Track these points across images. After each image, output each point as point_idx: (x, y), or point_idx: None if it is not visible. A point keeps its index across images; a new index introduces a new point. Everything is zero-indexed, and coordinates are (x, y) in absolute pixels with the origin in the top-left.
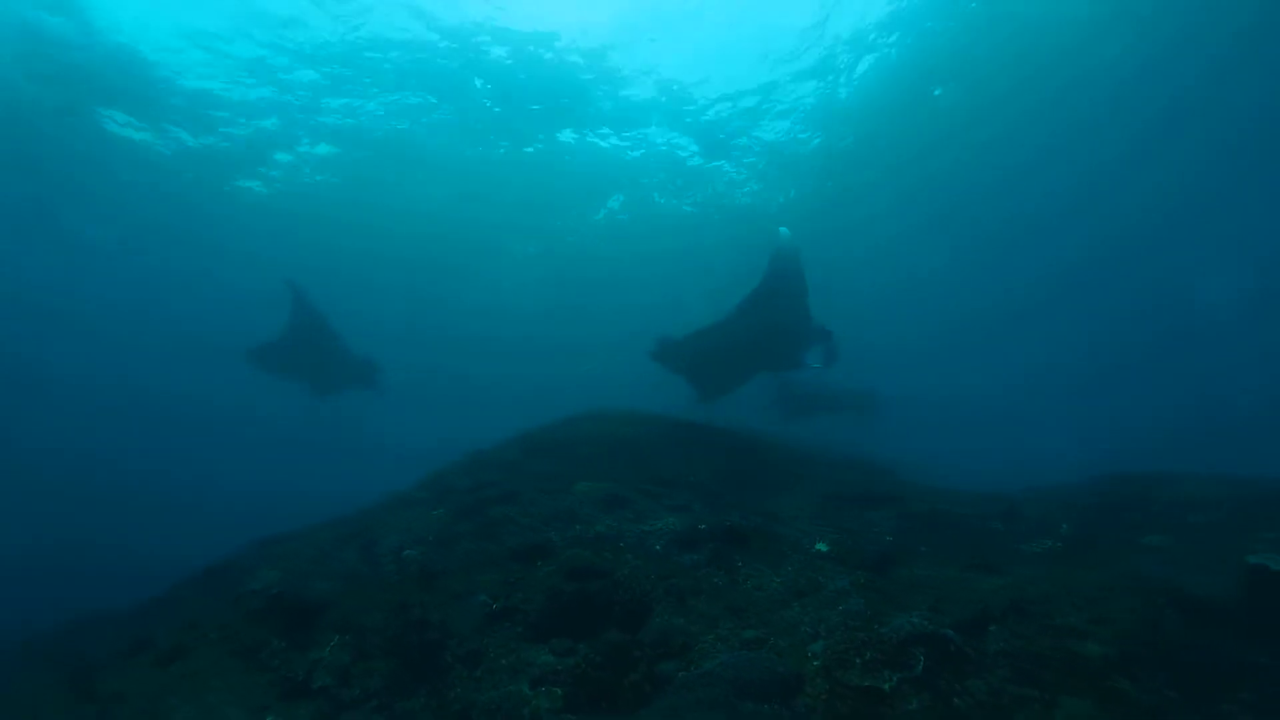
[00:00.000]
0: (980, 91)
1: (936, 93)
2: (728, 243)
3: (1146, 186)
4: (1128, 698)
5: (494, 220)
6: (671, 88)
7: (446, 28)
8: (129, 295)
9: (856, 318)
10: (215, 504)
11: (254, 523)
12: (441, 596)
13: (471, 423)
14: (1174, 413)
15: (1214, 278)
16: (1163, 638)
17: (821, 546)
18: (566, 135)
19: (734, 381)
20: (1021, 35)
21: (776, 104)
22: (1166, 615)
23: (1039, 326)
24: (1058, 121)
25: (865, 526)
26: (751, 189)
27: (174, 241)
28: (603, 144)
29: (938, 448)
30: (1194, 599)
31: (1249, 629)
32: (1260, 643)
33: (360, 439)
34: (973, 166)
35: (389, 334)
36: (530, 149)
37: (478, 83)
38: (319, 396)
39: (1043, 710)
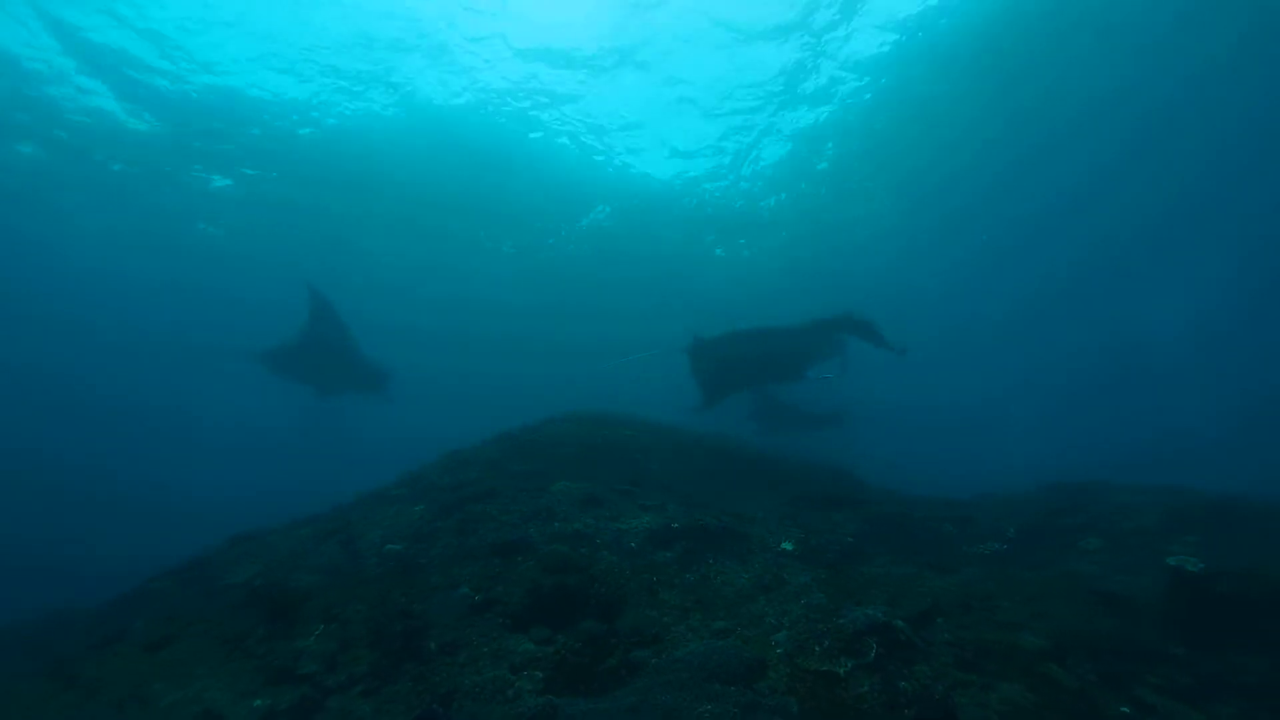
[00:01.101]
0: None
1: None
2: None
3: (1101, 221)
4: (1056, 682)
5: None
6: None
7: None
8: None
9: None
10: (175, 503)
11: (219, 521)
12: (423, 589)
13: (444, 420)
14: (1126, 430)
15: (1163, 309)
16: (1091, 630)
17: (787, 545)
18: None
19: (742, 386)
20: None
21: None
22: (1096, 611)
23: (1007, 348)
24: (1028, 145)
25: (829, 527)
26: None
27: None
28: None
29: (908, 453)
30: (1120, 596)
31: (1167, 623)
32: (1175, 634)
33: (331, 436)
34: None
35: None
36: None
37: None
38: (322, 398)
39: (980, 692)
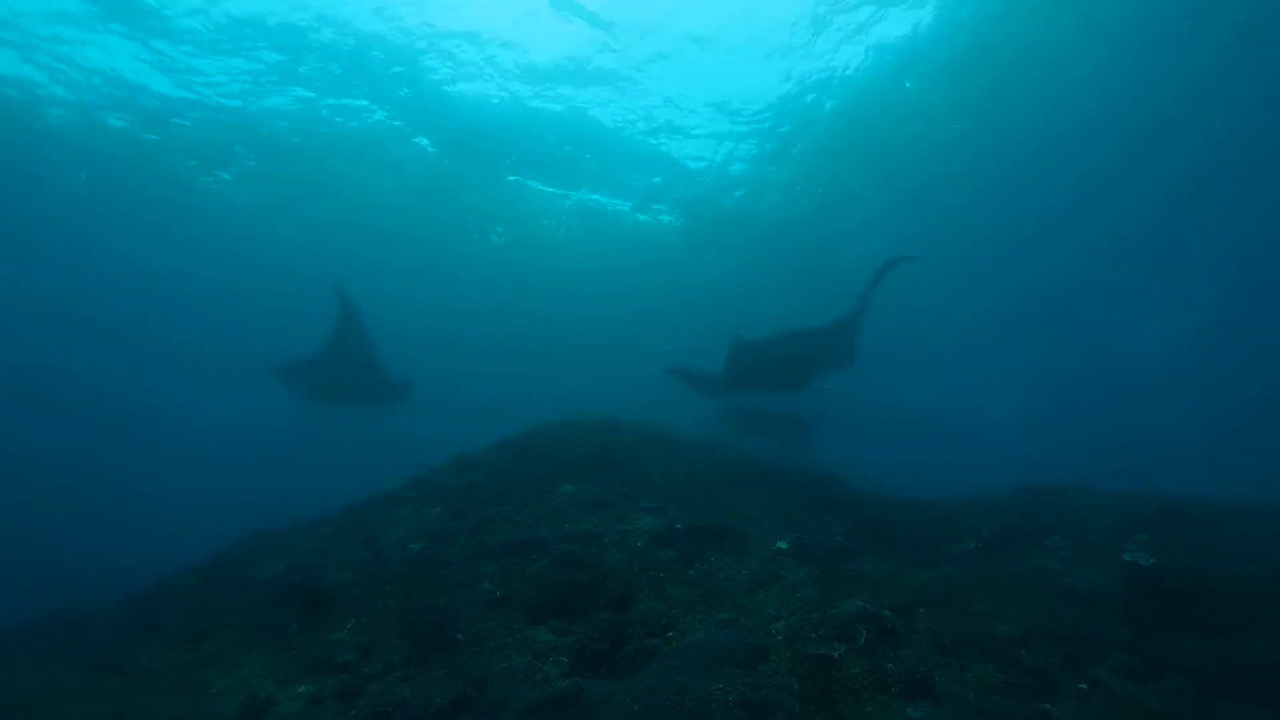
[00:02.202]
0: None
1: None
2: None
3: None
4: (1024, 664)
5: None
6: None
7: None
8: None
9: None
10: (165, 507)
11: (211, 525)
12: (447, 585)
13: (432, 421)
14: (1105, 437)
15: (1146, 319)
16: (1055, 619)
17: (782, 545)
18: None
19: (758, 388)
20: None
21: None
22: (1059, 602)
23: (992, 357)
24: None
25: (820, 528)
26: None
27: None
28: None
29: (889, 457)
30: (1081, 589)
31: (1121, 612)
32: (1129, 623)
33: (315, 439)
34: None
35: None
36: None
37: None
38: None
39: (957, 672)
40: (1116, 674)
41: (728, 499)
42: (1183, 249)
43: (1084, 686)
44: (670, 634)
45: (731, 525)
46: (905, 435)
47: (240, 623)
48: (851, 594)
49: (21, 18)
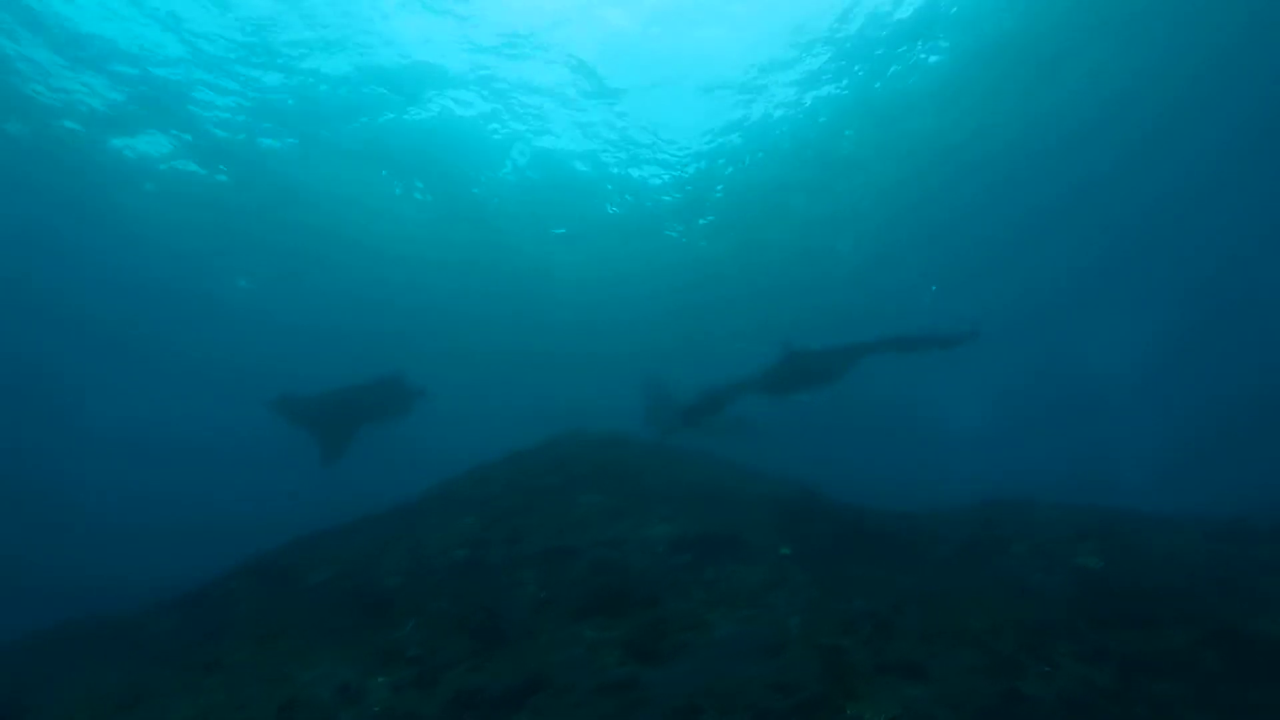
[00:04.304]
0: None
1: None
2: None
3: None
4: (997, 651)
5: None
6: None
7: None
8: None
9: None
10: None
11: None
12: (494, 587)
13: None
14: (1062, 453)
15: (1107, 338)
16: (1020, 615)
17: (785, 550)
18: None
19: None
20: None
21: None
22: (1022, 600)
23: (958, 369)
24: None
25: (813, 535)
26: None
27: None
28: None
29: (853, 458)
30: (1040, 589)
31: (1074, 607)
32: (1080, 616)
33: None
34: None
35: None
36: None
37: None
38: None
39: (944, 659)
40: (1070, 658)
41: (727, 509)
42: (1140, 269)
43: (1046, 669)
44: (700, 629)
45: (735, 533)
46: (871, 438)
47: (307, 623)
48: (850, 594)
49: None
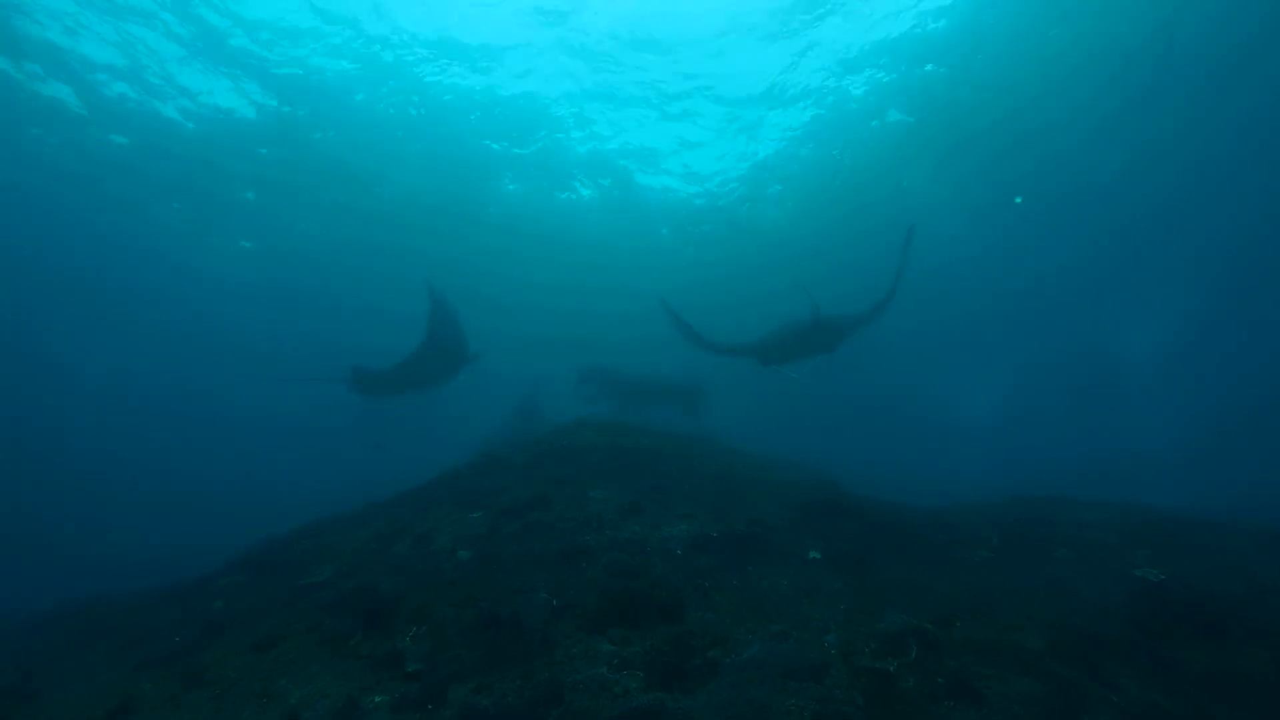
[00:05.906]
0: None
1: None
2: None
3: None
4: (1057, 677)
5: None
6: None
7: None
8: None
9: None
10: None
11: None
12: (503, 592)
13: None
14: (1083, 443)
15: (1131, 327)
16: (1078, 632)
17: (815, 554)
18: None
19: (781, 360)
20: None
21: None
22: (1078, 614)
23: (975, 358)
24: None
25: (841, 535)
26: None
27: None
28: None
29: (870, 448)
30: (1095, 600)
31: (1135, 623)
32: (1142, 634)
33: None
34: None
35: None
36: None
37: None
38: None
39: (1000, 684)
40: (1133, 679)
41: (747, 503)
42: (1165, 256)
43: (1114, 698)
44: (727, 645)
45: (760, 533)
46: (886, 428)
47: (304, 630)
48: (887, 604)
49: None
